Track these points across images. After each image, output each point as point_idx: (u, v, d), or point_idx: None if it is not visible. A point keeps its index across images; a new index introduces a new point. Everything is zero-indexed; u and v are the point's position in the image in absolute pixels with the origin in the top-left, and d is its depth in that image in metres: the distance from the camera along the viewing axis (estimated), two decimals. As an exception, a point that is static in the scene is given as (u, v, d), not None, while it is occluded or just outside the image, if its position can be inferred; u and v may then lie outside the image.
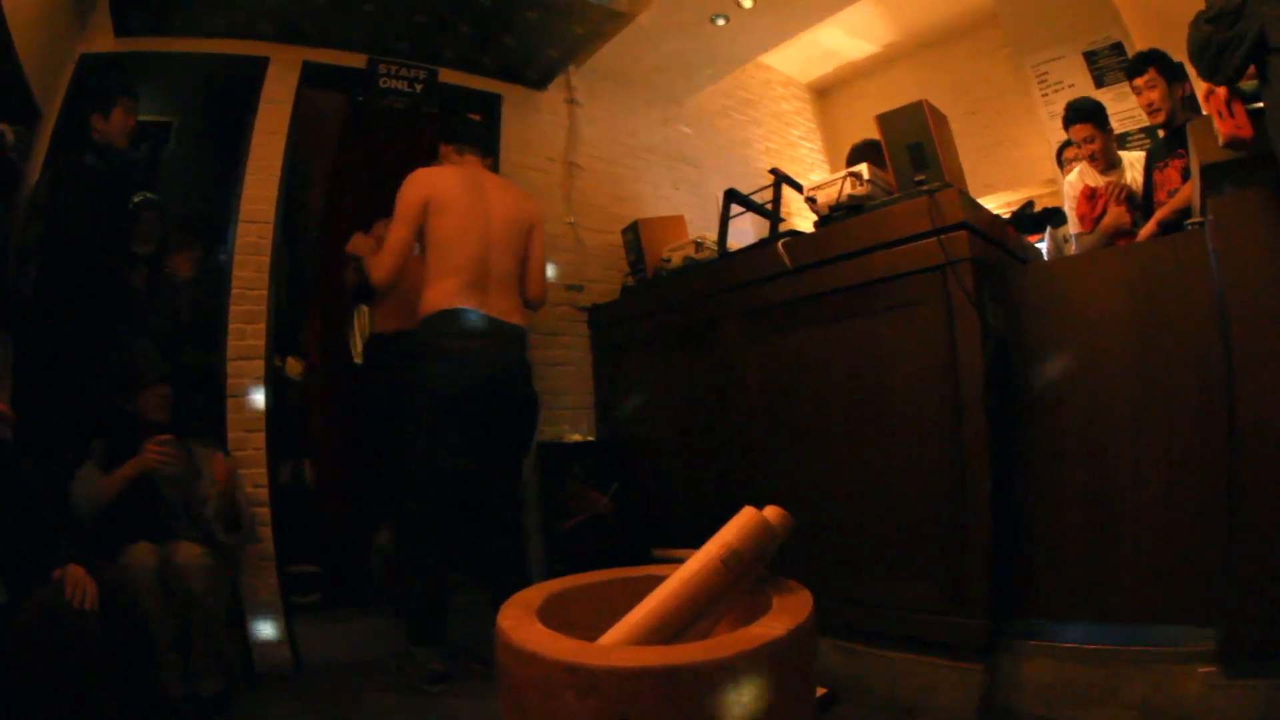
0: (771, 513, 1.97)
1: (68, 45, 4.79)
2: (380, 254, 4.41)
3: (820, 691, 3.65)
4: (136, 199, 5.12)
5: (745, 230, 6.53)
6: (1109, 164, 5.01)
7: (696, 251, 5.34)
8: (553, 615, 1.86)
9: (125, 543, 3.83)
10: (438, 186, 4.45)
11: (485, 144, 5.09)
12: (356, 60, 5.70)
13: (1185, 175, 4.28)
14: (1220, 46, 2.83)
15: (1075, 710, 3.23)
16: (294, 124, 5.34)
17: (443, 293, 4.33)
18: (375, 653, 4.72)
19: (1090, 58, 7.26)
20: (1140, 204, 4.77)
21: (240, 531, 4.34)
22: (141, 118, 4.98)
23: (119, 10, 4.88)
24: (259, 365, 4.93)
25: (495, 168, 5.88)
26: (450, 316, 4.30)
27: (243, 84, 5.34)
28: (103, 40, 4.92)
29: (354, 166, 6.15)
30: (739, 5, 6.42)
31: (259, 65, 5.34)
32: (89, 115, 4.59)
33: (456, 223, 4.40)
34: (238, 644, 4.44)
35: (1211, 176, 3.09)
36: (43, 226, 4.25)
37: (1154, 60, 4.51)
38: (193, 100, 6.49)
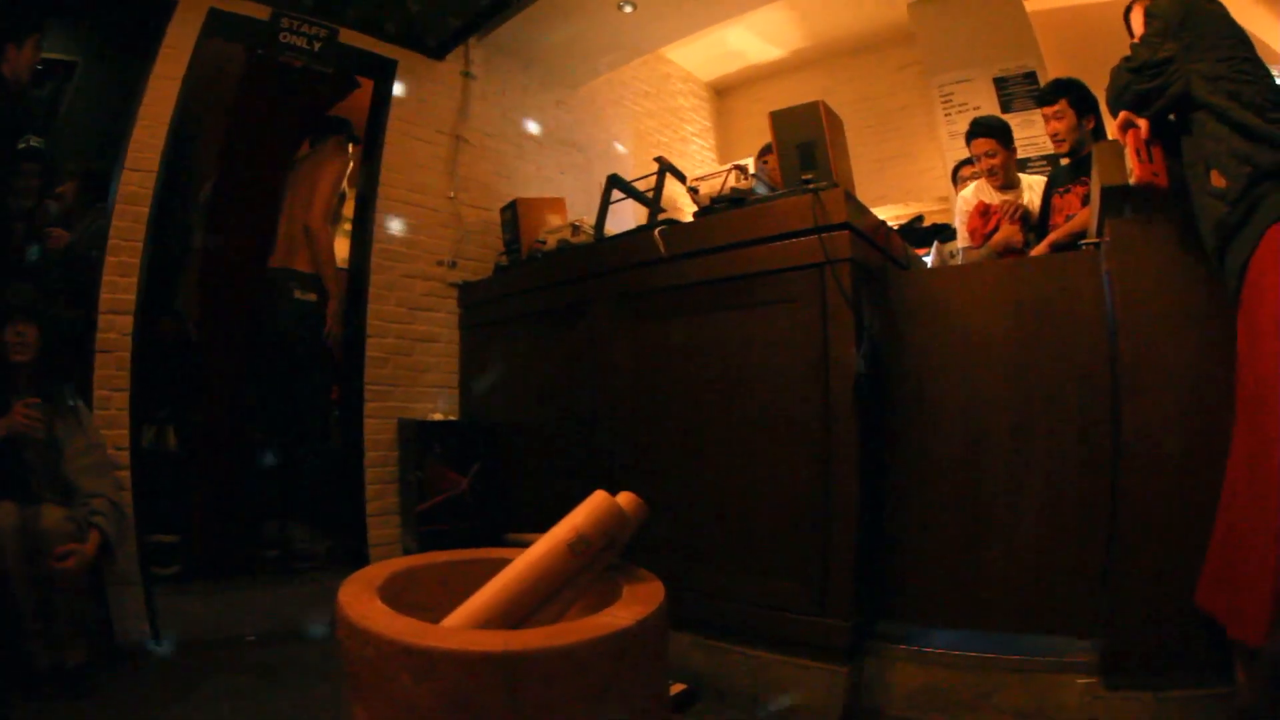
0: (625, 499, 1.92)
1: None
2: None
3: (679, 688, 3.63)
4: (20, 145, 4.90)
5: (625, 218, 6.46)
6: (1007, 183, 5.05)
7: (573, 235, 5.26)
8: (395, 595, 1.80)
9: None
10: None
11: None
12: (261, 12, 5.46)
13: (1086, 203, 4.34)
14: (1139, 95, 2.99)
15: (946, 714, 3.23)
16: (191, 71, 5.09)
17: None
18: (235, 628, 4.63)
19: (1000, 83, 7.37)
20: (1035, 226, 4.82)
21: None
22: (49, 55, 4.82)
23: None
24: (128, 321, 4.69)
25: (381, 133, 5.93)
26: None
27: (149, 27, 5.07)
28: None
29: (249, 121, 5.89)
30: (648, -8, 6.33)
31: (167, 8, 5.06)
32: (4, 45, 4.35)
33: None
34: (98, 614, 4.22)
35: (1112, 199, 3.14)
36: None
37: (1067, 91, 4.54)
38: (99, 40, 6.26)
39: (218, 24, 5.24)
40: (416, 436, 5.47)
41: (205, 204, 5.92)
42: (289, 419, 5.71)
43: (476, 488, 5.36)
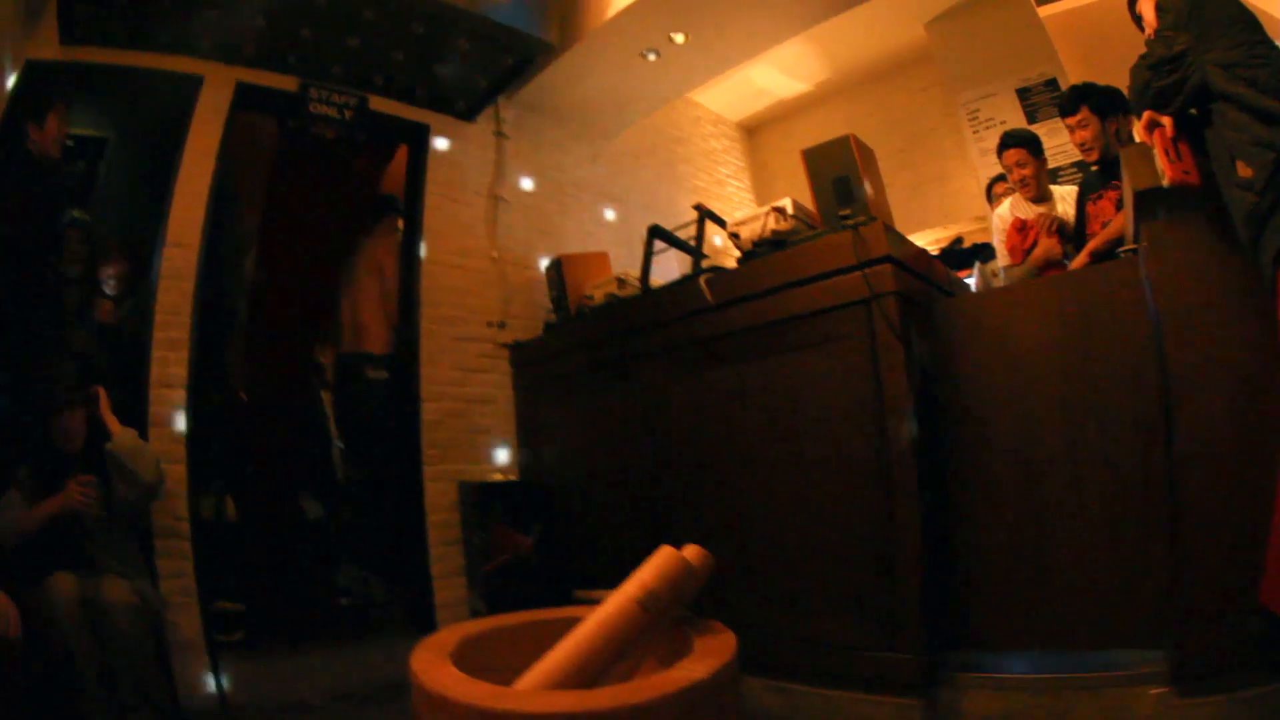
0: (691, 552, 1.93)
1: (16, 49, 4.64)
2: None
3: (754, 733, 3.58)
4: (66, 218, 4.93)
5: (670, 267, 6.48)
6: (1040, 194, 5.01)
7: (619, 288, 5.31)
8: (468, 658, 1.80)
9: (47, 572, 3.70)
10: None
11: None
12: (290, 84, 5.60)
13: (1120, 207, 4.27)
14: (1160, 91, 2.95)
15: (1025, 735, 3.19)
16: (224, 146, 5.22)
17: None
18: (302, 693, 4.62)
19: (1023, 94, 7.38)
20: (1072, 236, 4.77)
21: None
22: (78, 131, 4.92)
23: (66, 16, 4.76)
24: (180, 394, 4.77)
25: (420, 198, 5.99)
26: None
27: (178, 104, 5.21)
28: (49, 47, 4.78)
29: (287, 193, 6.02)
30: (671, 41, 6.40)
31: (194, 84, 5.22)
32: (24, 122, 4.43)
33: None
34: (164, 682, 4.23)
35: (1145, 203, 3.10)
36: None
37: (1086, 97, 4.49)
38: (130, 117, 6.31)
39: (247, 97, 5.39)
40: (477, 498, 5.49)
41: (249, 275, 6.03)
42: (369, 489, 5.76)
43: (540, 546, 5.38)
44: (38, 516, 3.82)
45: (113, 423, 4.17)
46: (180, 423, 4.74)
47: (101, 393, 4.22)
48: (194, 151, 5.10)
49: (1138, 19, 3.38)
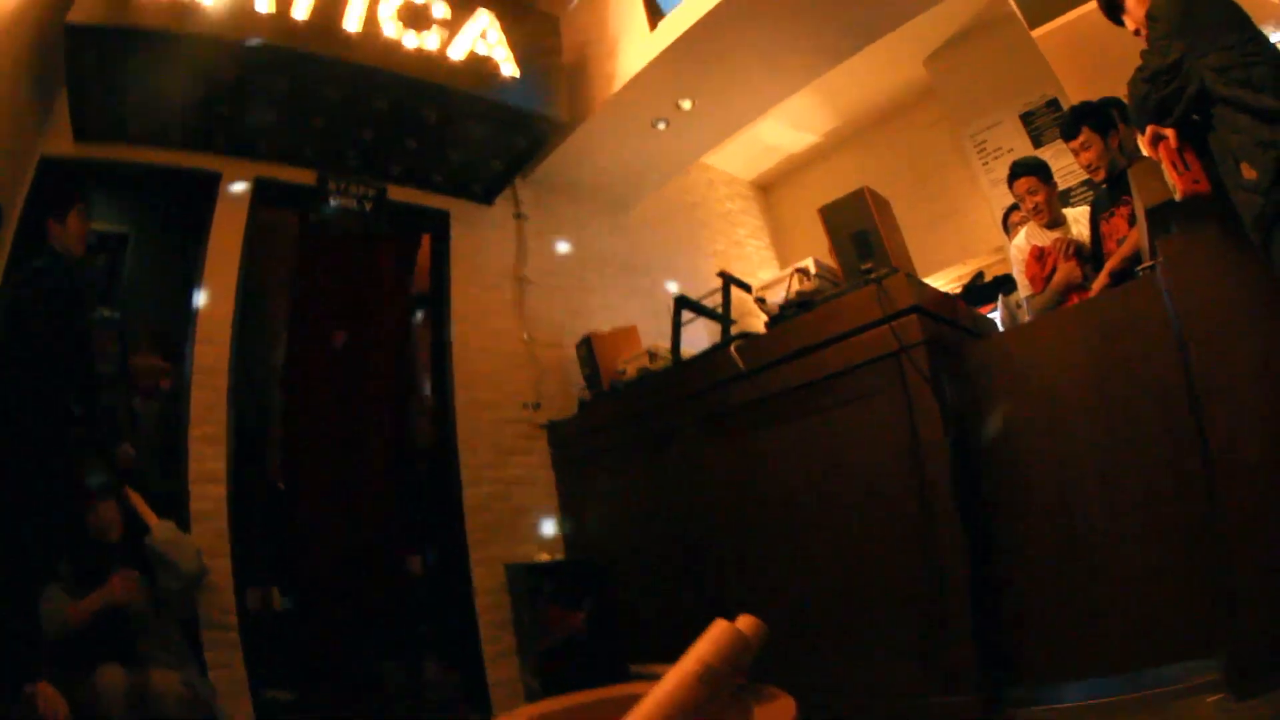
0: (745, 623, 1.93)
1: (30, 146, 4.78)
2: None
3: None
4: (95, 317, 4.97)
5: (699, 335, 6.51)
6: (1054, 219, 5.01)
7: (651, 362, 5.39)
8: None
9: (95, 664, 3.70)
10: None
11: None
12: (307, 177, 5.73)
13: (1133, 221, 4.27)
14: (1160, 103, 2.95)
15: (1093, 758, 3.15)
16: (248, 242, 5.35)
17: None
18: None
19: (1027, 119, 7.46)
20: (1090, 257, 4.76)
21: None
22: (99, 227, 5.01)
23: (78, 114, 4.89)
24: (221, 489, 4.83)
25: (445, 284, 6.11)
26: None
27: (197, 198, 5.35)
28: (63, 144, 4.92)
29: (314, 285, 6.08)
30: (678, 108, 6.52)
31: (212, 180, 5.35)
32: (45, 220, 4.48)
33: None
34: None
35: (1157, 218, 3.13)
36: (2, 334, 4.16)
37: (1085, 117, 4.50)
38: (149, 213, 6.47)
39: (267, 192, 5.53)
40: (526, 579, 5.51)
41: (281, 366, 6.12)
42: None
43: (592, 622, 5.37)
44: (83, 609, 3.82)
45: (149, 516, 4.22)
46: (222, 516, 4.80)
47: (131, 493, 4.26)
48: (218, 248, 5.23)
49: (1115, 13, 3.39)
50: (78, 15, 4.36)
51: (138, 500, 4.24)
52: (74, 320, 4.58)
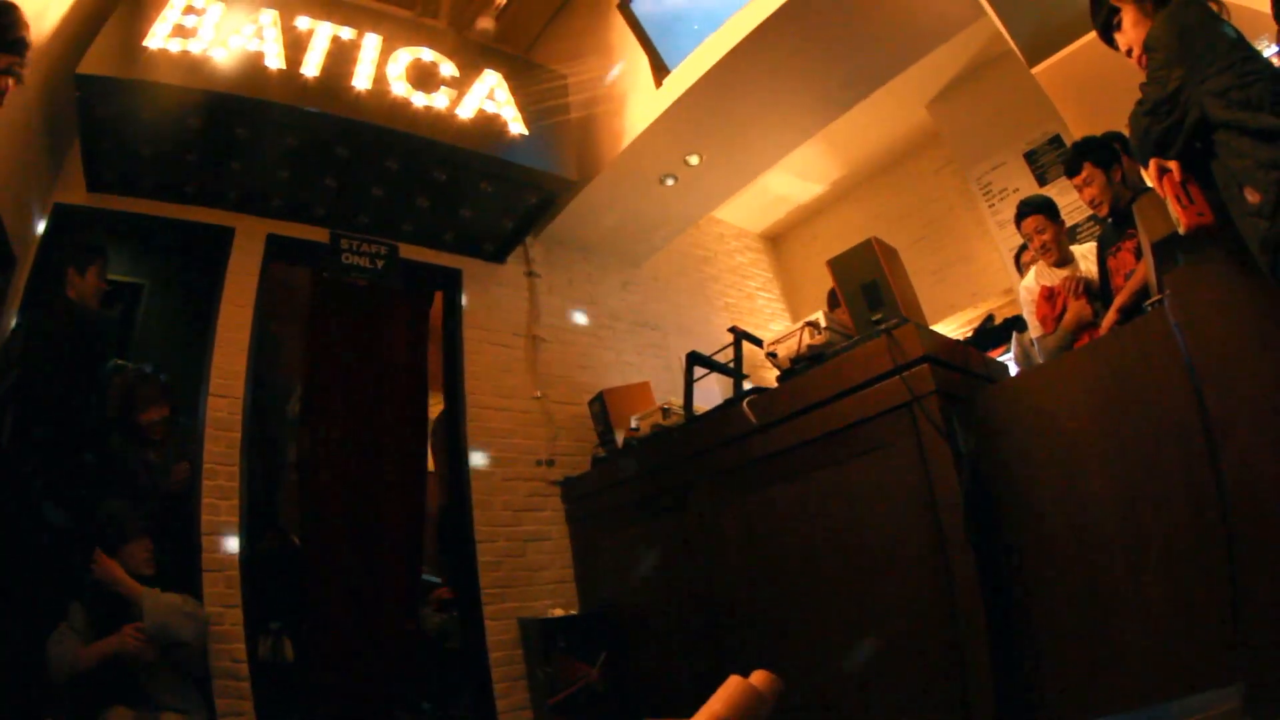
0: (759, 678, 1.95)
1: (43, 194, 4.84)
2: None
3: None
4: (110, 365, 5.01)
5: (712, 389, 6.54)
6: (1062, 258, 5.01)
7: (664, 418, 5.37)
8: None
9: (104, 707, 3.71)
10: None
11: None
12: (319, 234, 5.80)
13: (1139, 254, 4.25)
14: (1162, 134, 2.91)
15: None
16: (260, 298, 5.39)
17: None
18: None
19: (1031, 158, 7.49)
20: (1099, 293, 4.76)
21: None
22: (113, 278, 4.96)
23: (90, 165, 4.97)
24: (233, 541, 4.84)
25: (458, 342, 6.16)
26: None
27: (211, 252, 5.41)
28: (76, 193, 5.00)
29: (327, 340, 6.02)
30: (686, 164, 6.58)
31: (226, 236, 5.41)
32: (65, 269, 4.53)
33: None
34: None
35: (1163, 252, 3.12)
36: (16, 378, 4.13)
37: (1086, 154, 4.49)
38: (163, 264, 6.52)
39: (280, 249, 5.60)
40: (539, 634, 5.49)
41: (295, 420, 6.11)
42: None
43: (607, 676, 5.36)
44: (93, 655, 3.80)
45: (133, 588, 4.05)
46: (234, 566, 4.79)
47: (108, 561, 4.08)
48: (231, 302, 5.28)
49: (1107, 31, 3.39)
50: (88, 66, 4.46)
51: (116, 569, 4.07)
52: (87, 370, 4.64)
